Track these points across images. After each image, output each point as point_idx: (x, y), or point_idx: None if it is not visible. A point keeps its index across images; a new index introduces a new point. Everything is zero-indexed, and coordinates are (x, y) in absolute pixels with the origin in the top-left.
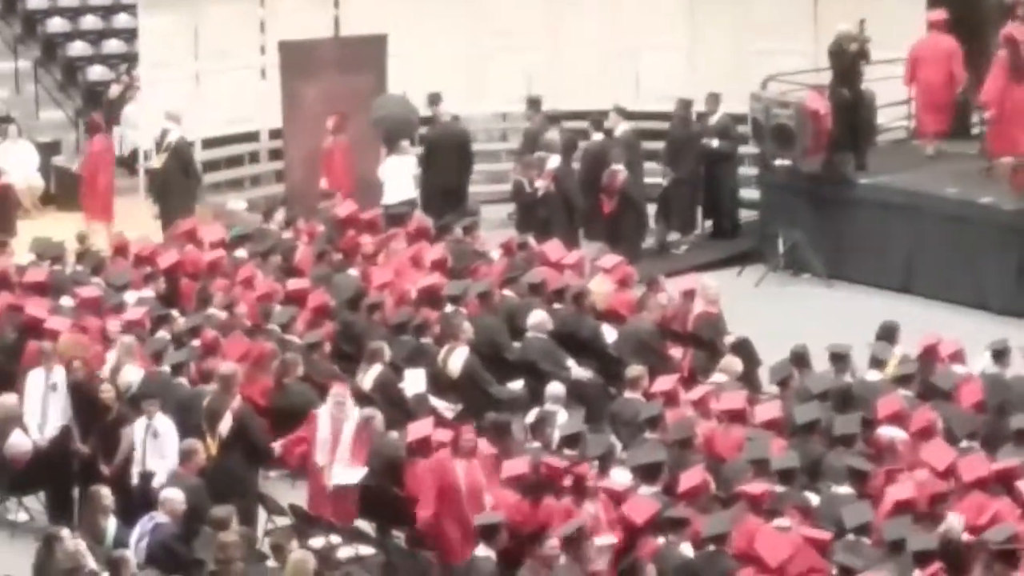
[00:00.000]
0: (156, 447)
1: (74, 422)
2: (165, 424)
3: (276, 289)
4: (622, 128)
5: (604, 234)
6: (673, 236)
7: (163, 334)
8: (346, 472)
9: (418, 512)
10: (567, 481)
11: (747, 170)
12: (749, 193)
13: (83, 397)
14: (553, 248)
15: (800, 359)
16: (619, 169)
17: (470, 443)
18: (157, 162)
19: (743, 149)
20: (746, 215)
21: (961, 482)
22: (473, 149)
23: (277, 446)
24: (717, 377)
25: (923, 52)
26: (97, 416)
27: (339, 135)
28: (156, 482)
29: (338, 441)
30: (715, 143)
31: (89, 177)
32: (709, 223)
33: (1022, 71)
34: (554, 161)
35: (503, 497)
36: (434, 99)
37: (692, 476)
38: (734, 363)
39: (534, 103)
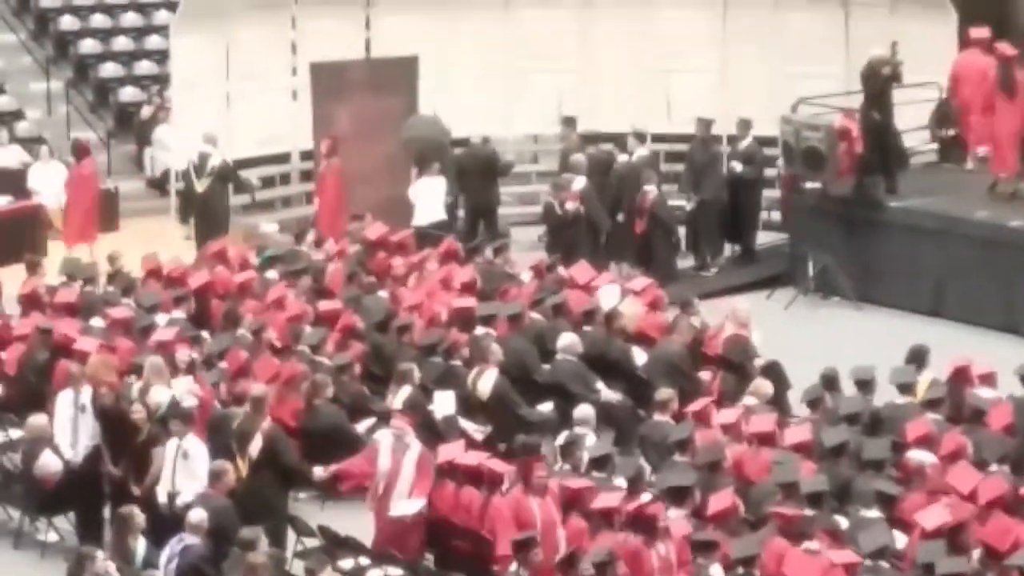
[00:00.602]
0: (186, 468)
1: (104, 442)
2: (196, 445)
3: (306, 310)
4: (639, 152)
5: (636, 255)
6: (690, 261)
7: (193, 355)
8: (406, 504)
9: (496, 551)
10: (636, 519)
11: (772, 193)
12: (774, 216)
13: (112, 417)
14: (582, 270)
15: (830, 382)
16: (650, 190)
17: (542, 480)
18: (200, 186)
19: (770, 171)
20: (772, 238)
21: (982, 504)
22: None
23: (329, 470)
24: (747, 400)
25: (963, 70)
26: (127, 437)
27: (332, 159)
28: (180, 501)
29: (399, 474)
30: (739, 168)
31: (73, 200)
32: (735, 247)
33: (1012, 88)
34: (580, 182)
35: (575, 530)
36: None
37: (722, 499)
38: (764, 386)
39: (569, 122)
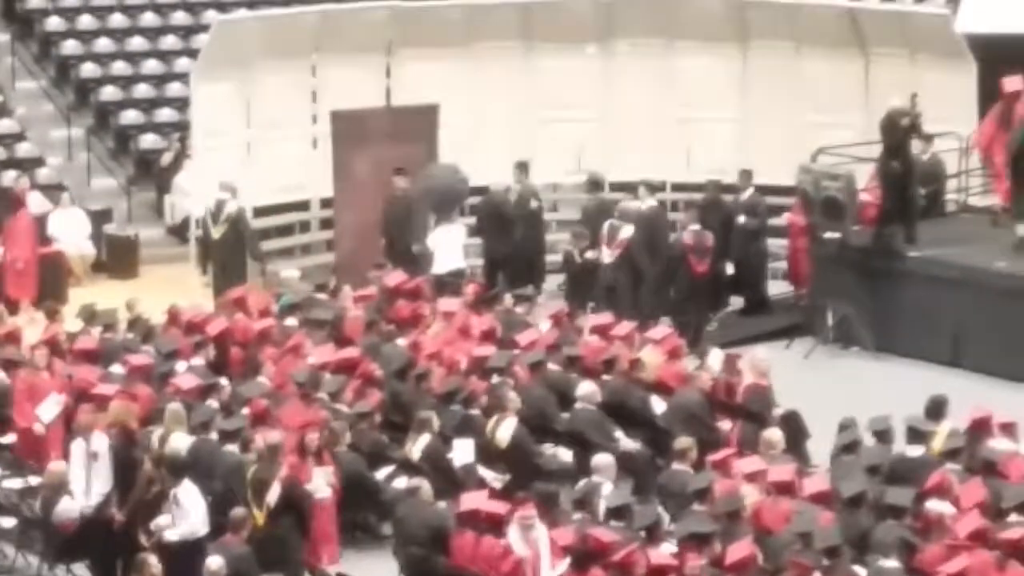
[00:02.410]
0: (179, 515)
1: (115, 489)
2: (188, 492)
3: (327, 359)
4: (648, 202)
5: (705, 295)
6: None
7: (212, 402)
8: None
9: None
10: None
11: (778, 242)
12: (779, 265)
13: (122, 464)
14: (601, 319)
15: (849, 432)
16: (701, 229)
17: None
18: (215, 233)
19: (779, 221)
20: (779, 289)
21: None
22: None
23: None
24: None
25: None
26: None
27: None
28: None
29: (538, 555)
30: (742, 219)
31: (12, 256)
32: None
33: (1010, 122)
34: (628, 230)
35: None
36: (522, 167)
37: (740, 548)
38: (774, 435)
39: (594, 184)
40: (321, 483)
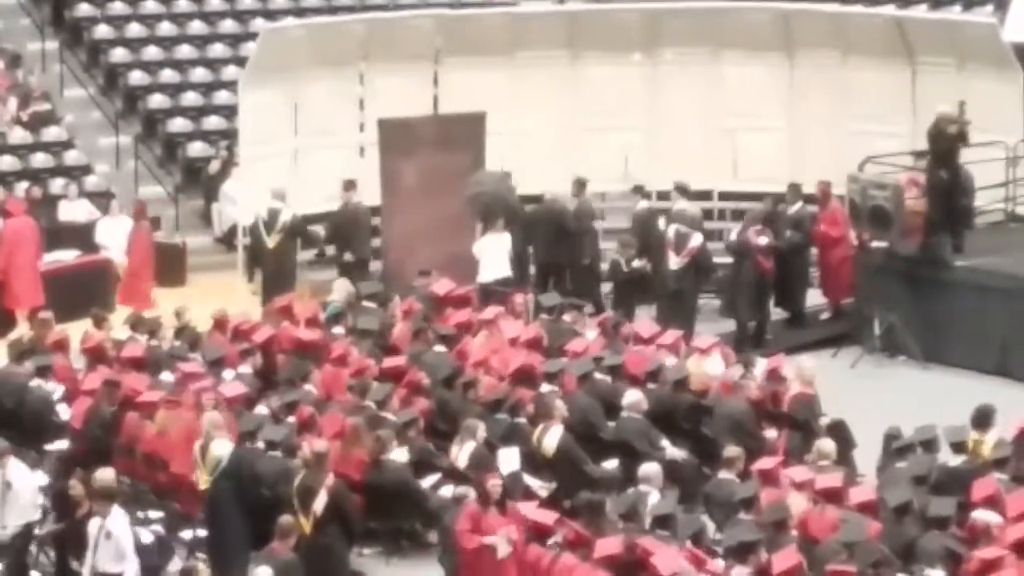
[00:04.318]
0: (109, 549)
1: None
2: (119, 524)
3: (369, 365)
4: (680, 204)
5: (778, 295)
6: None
7: (260, 409)
8: None
9: None
10: None
11: None
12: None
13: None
14: (647, 327)
15: (894, 442)
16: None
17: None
18: (271, 242)
19: None
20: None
21: None
22: (573, 228)
23: None
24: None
25: None
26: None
27: (141, 222)
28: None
29: None
30: (788, 234)
31: (7, 263)
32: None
33: None
34: (697, 239)
35: None
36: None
37: (786, 557)
38: (827, 446)
39: (639, 189)
40: (503, 540)
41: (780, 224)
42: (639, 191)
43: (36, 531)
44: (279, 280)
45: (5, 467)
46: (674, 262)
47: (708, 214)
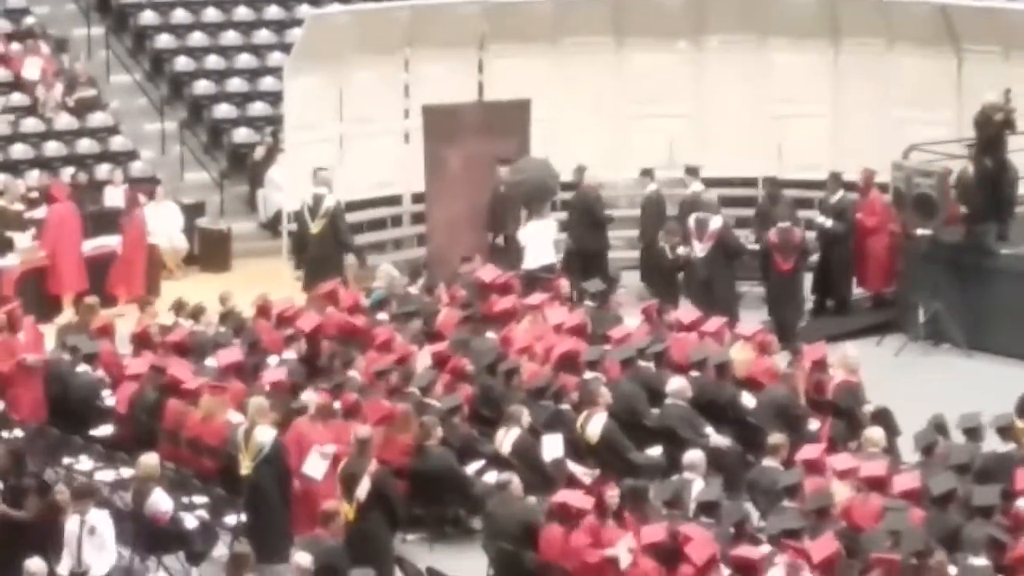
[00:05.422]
0: (93, 542)
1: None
2: (101, 519)
3: (412, 352)
4: (694, 188)
5: (782, 291)
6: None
7: (305, 396)
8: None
9: None
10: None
11: None
12: None
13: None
14: (690, 314)
15: (940, 429)
16: (788, 226)
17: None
18: (314, 228)
19: None
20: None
21: None
22: (607, 214)
23: None
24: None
25: None
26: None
27: (134, 210)
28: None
29: None
30: (829, 223)
31: (52, 249)
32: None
33: None
34: (716, 222)
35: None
36: (579, 171)
37: (824, 545)
38: (876, 433)
39: (648, 172)
40: (624, 550)
41: (772, 218)
42: (648, 174)
43: None
44: (322, 266)
45: (87, 511)
46: (699, 249)
47: (751, 201)
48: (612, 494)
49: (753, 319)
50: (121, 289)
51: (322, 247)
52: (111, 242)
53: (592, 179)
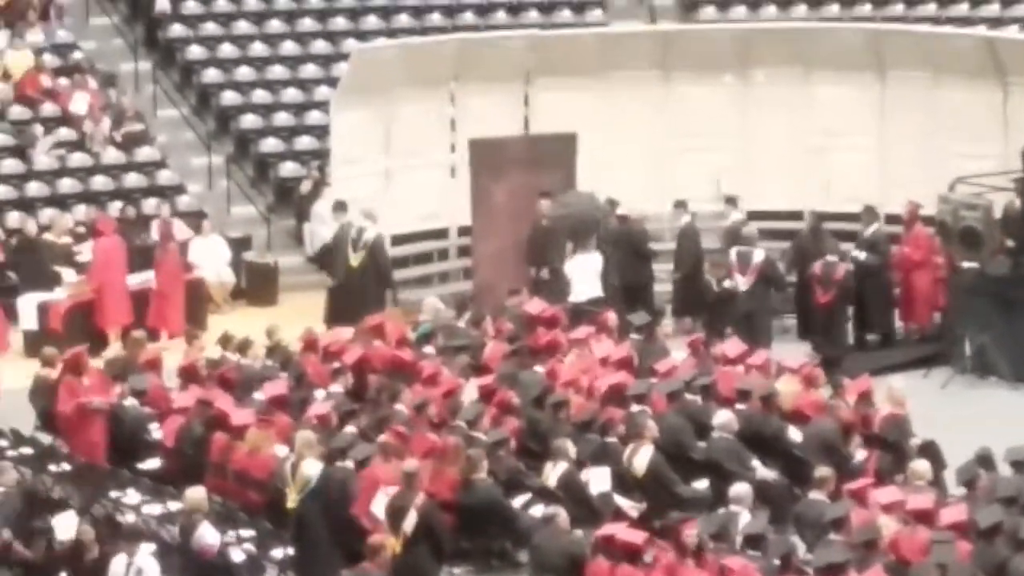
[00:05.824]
0: None
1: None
2: (149, 563)
3: (459, 385)
4: (734, 217)
5: (819, 326)
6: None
7: (350, 429)
8: None
9: None
10: None
11: None
12: None
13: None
14: (736, 347)
15: (986, 462)
16: (835, 260)
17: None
18: (354, 260)
19: None
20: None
21: None
22: (652, 248)
23: None
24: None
25: None
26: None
27: (168, 244)
28: None
29: None
30: (863, 256)
31: (98, 283)
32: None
33: None
34: (759, 255)
35: None
36: (611, 204)
37: None
38: (922, 466)
39: (731, 200)
40: None
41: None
42: (681, 206)
43: None
44: (356, 298)
45: (136, 552)
46: (742, 283)
47: (794, 234)
48: (690, 533)
49: (795, 352)
50: (160, 323)
51: (360, 280)
52: (150, 276)
53: (632, 212)
